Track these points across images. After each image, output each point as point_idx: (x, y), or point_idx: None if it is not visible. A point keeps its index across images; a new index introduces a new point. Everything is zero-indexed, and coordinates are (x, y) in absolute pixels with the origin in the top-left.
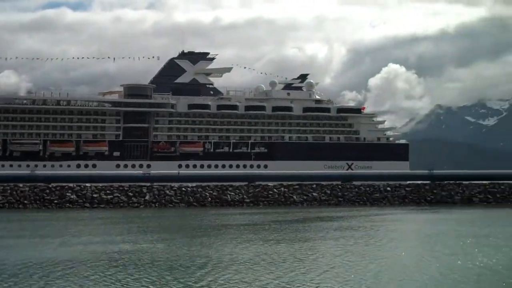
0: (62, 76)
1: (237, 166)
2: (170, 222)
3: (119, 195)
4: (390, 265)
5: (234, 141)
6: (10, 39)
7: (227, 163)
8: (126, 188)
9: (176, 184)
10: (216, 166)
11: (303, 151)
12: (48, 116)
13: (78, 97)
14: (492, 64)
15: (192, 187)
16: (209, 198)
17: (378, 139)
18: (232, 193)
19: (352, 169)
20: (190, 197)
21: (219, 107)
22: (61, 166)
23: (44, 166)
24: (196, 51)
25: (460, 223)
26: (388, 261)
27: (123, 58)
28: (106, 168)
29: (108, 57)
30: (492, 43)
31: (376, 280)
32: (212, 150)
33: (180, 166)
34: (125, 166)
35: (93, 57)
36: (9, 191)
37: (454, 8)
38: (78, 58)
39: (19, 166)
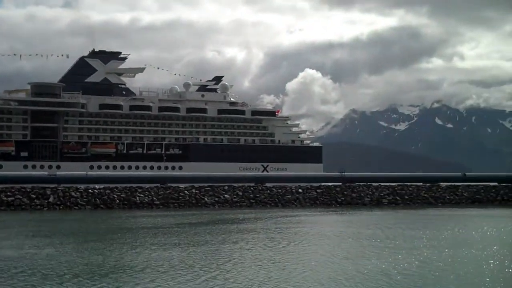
0: None
1: (151, 167)
2: (67, 225)
3: (21, 197)
4: (278, 268)
5: (148, 142)
6: None
7: (140, 164)
8: (28, 190)
9: (82, 186)
10: (130, 168)
11: (218, 153)
12: None
13: None
14: (403, 71)
15: (99, 188)
16: (117, 200)
17: (293, 141)
18: (142, 195)
19: (267, 171)
20: (97, 199)
21: (132, 107)
22: None
23: None
24: (107, 50)
25: (363, 225)
26: (280, 264)
27: (30, 55)
28: (12, 169)
29: (18, 55)
30: (403, 51)
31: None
32: (125, 151)
33: (91, 167)
34: (33, 167)
35: (3, 55)
36: None
37: (368, 17)
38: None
39: None
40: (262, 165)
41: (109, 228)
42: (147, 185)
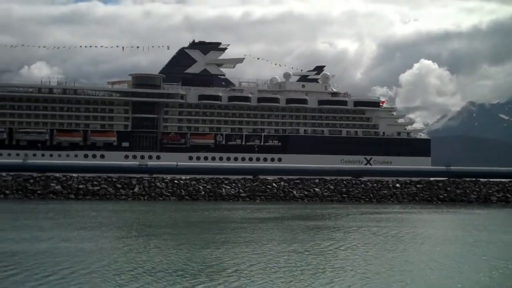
0: (93, 68)
1: (250, 159)
2: (156, 216)
3: (107, 186)
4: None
5: (247, 133)
6: (40, 31)
7: (239, 155)
8: (114, 180)
9: (168, 176)
10: (228, 159)
11: (319, 144)
12: (54, 105)
13: (85, 86)
14: None
15: (185, 179)
16: (203, 192)
17: (398, 133)
18: (228, 187)
19: (370, 164)
20: (183, 190)
21: (231, 98)
22: (68, 156)
23: (51, 155)
24: (207, 41)
25: (476, 226)
26: (394, 274)
27: (136, 48)
28: (114, 159)
29: (137, 47)
30: None
31: None
32: (223, 142)
33: (190, 158)
34: (134, 157)
35: (124, 46)
36: None
37: (488, 5)
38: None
39: (26, 155)
40: (365, 158)
41: (197, 220)
42: (235, 177)
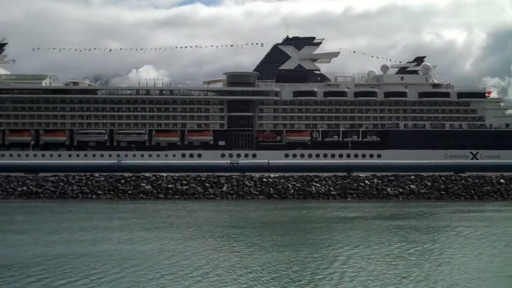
0: (197, 69)
1: (348, 155)
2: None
3: (195, 185)
4: None
5: (344, 129)
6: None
7: (336, 152)
8: (203, 179)
9: (256, 175)
10: (325, 156)
11: (420, 139)
12: (152, 106)
13: (181, 86)
14: None
15: (274, 177)
16: (292, 190)
17: (507, 125)
18: (318, 185)
19: (477, 159)
20: (271, 188)
21: (326, 94)
22: (166, 156)
23: (150, 156)
24: (301, 37)
25: None
26: None
27: (236, 48)
28: (211, 158)
29: (231, 45)
30: None
31: None
32: (320, 139)
33: (286, 155)
34: (230, 155)
35: (217, 46)
36: (84, 181)
37: None
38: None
39: (126, 155)
40: (471, 153)
41: (285, 220)
42: (325, 174)
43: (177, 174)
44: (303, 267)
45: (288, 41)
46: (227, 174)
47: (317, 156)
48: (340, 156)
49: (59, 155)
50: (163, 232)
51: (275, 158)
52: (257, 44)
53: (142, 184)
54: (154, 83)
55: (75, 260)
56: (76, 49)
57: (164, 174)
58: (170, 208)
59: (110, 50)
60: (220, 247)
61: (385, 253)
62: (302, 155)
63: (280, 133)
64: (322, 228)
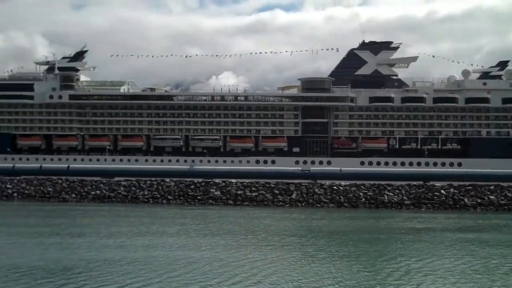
0: (277, 75)
1: (426, 164)
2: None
3: (264, 192)
4: None
5: (422, 136)
6: (227, 42)
7: (414, 160)
8: (272, 186)
9: (327, 182)
10: (403, 164)
11: (505, 147)
12: (227, 112)
13: (255, 92)
14: None
15: (345, 185)
16: (363, 199)
17: None
18: (391, 194)
19: None
20: (342, 196)
21: (404, 99)
22: (240, 162)
23: (224, 161)
24: (378, 41)
25: None
26: None
27: (315, 53)
28: (285, 165)
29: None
30: None
31: None
32: (397, 146)
33: (362, 163)
34: (304, 162)
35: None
36: (155, 186)
37: None
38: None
39: (201, 161)
40: None
41: (355, 229)
42: (399, 183)
43: (247, 181)
44: (354, 281)
45: (364, 45)
46: (297, 181)
47: (394, 164)
48: (418, 164)
49: (136, 160)
50: (218, 238)
51: (351, 165)
52: (332, 49)
53: (211, 190)
54: (229, 89)
55: (121, 265)
56: (153, 56)
57: (234, 181)
58: (235, 215)
59: (187, 56)
60: (272, 256)
61: (447, 268)
62: (378, 163)
63: (355, 140)
64: (384, 239)
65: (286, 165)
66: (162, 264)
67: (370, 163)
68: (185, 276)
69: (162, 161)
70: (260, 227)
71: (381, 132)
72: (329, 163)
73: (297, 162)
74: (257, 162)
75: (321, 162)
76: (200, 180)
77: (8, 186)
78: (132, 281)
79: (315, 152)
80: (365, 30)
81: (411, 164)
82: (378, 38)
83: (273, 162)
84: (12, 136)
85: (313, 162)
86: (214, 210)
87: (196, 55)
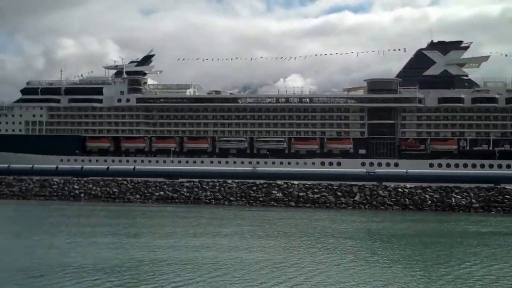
0: (345, 77)
1: (499, 166)
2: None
3: (327, 194)
4: None
5: (494, 138)
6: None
7: (486, 162)
8: (335, 187)
9: (391, 184)
10: (474, 166)
11: None
12: (292, 114)
13: (320, 94)
14: None
15: (410, 187)
16: (429, 201)
17: None
18: (458, 197)
19: None
20: (407, 199)
21: (474, 100)
22: (305, 163)
23: (289, 163)
24: (447, 41)
25: None
26: None
27: (382, 54)
28: (350, 166)
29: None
30: None
31: None
32: (468, 148)
33: (431, 165)
34: (371, 164)
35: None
36: (217, 187)
37: None
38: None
39: (265, 163)
40: None
41: (407, 233)
42: (467, 185)
43: (309, 182)
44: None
45: (433, 45)
46: (360, 183)
47: (465, 166)
48: (490, 166)
49: (202, 162)
50: (272, 240)
51: (419, 167)
52: (399, 50)
53: (273, 192)
54: (294, 91)
55: (166, 265)
56: (218, 59)
57: (296, 182)
58: (293, 216)
59: (252, 58)
60: (319, 258)
61: (503, 275)
62: (448, 165)
63: (424, 141)
64: (444, 243)
65: (351, 167)
66: (207, 265)
67: (440, 165)
68: (225, 277)
69: (227, 162)
70: (316, 229)
71: (451, 133)
72: (396, 165)
73: (363, 164)
74: (322, 164)
75: (388, 164)
76: (262, 181)
77: (75, 186)
78: (174, 281)
79: (381, 154)
80: (434, 30)
81: (482, 166)
82: (449, 38)
83: (338, 164)
84: (82, 138)
85: (379, 164)
86: (274, 211)
87: (262, 57)
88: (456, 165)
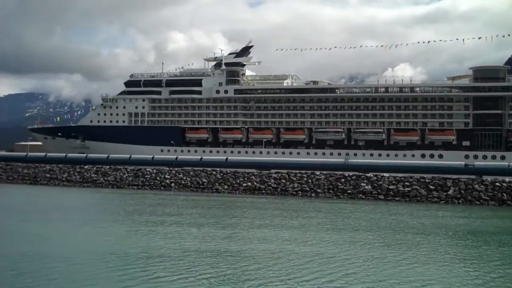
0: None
1: None
2: None
3: (418, 187)
4: None
5: None
6: (404, 32)
7: None
8: (427, 181)
9: (489, 178)
10: None
11: None
12: (391, 104)
13: (422, 83)
14: None
15: (509, 181)
16: None
17: None
18: None
19: None
20: (505, 194)
21: None
22: (404, 156)
23: (388, 155)
24: None
25: None
26: None
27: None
28: (453, 159)
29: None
30: None
31: None
32: None
33: None
34: (475, 157)
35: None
36: (305, 178)
37: None
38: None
39: (363, 155)
40: None
41: (481, 230)
42: None
43: (400, 175)
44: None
45: None
46: (455, 176)
47: None
48: None
49: (298, 153)
50: (335, 233)
51: None
52: (509, 35)
53: (362, 184)
54: (394, 80)
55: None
56: (326, 48)
57: (386, 175)
58: (372, 210)
59: (361, 46)
60: (373, 254)
61: None
62: None
63: None
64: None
65: (454, 159)
66: (257, 256)
67: None
68: (267, 269)
69: (323, 154)
70: (391, 224)
71: None
72: (502, 158)
73: (466, 157)
74: (423, 156)
75: (493, 157)
76: (351, 173)
77: (166, 176)
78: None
79: (487, 146)
80: None
81: None
82: None
83: (440, 156)
84: (182, 129)
85: (484, 157)
86: (358, 205)
87: (369, 46)
88: None
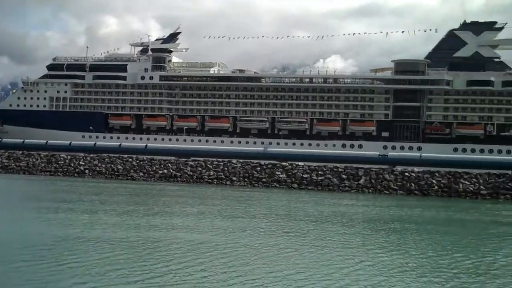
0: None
1: None
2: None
3: (331, 177)
4: None
5: None
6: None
7: None
8: (340, 170)
9: (399, 168)
10: (500, 152)
11: None
12: (315, 94)
13: (345, 75)
14: None
15: (417, 172)
16: (436, 187)
17: None
18: (467, 182)
19: None
20: (413, 184)
21: (505, 83)
22: (326, 145)
23: (309, 145)
24: (480, 21)
25: None
26: None
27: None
28: (372, 149)
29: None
30: None
31: None
32: (495, 132)
33: (455, 150)
34: (393, 147)
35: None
36: (221, 166)
37: None
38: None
39: (286, 144)
40: None
41: (380, 218)
42: (476, 171)
43: (314, 164)
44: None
45: (465, 26)
46: (367, 166)
47: (490, 151)
48: None
49: (222, 141)
50: (230, 222)
51: (443, 152)
52: (430, 30)
53: (277, 173)
54: (318, 71)
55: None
56: (258, 37)
57: (301, 164)
58: (279, 198)
59: (292, 36)
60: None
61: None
62: (473, 150)
63: (449, 125)
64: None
65: (373, 150)
66: (135, 243)
67: (464, 150)
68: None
69: (247, 142)
70: (289, 212)
71: (478, 117)
72: (419, 149)
73: (385, 147)
74: (343, 146)
75: (410, 148)
76: (267, 162)
77: (81, 163)
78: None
79: (405, 138)
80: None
81: (508, 152)
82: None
83: (360, 146)
84: (105, 115)
85: (402, 148)
86: (269, 193)
87: (301, 37)
88: (482, 151)
